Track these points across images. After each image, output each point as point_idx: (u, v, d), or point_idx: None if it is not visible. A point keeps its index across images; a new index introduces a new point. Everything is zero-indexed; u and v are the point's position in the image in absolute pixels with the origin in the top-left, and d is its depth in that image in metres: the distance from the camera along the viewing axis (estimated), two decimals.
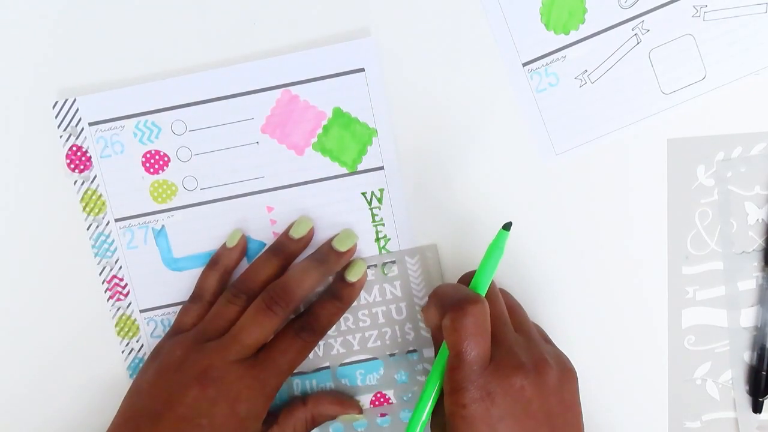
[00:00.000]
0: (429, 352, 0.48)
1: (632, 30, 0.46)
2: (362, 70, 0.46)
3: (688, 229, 0.47)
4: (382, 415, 0.48)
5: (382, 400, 0.48)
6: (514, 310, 0.43)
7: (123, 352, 0.48)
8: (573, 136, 0.47)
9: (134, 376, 0.46)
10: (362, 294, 0.47)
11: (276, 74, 0.46)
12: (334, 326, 0.47)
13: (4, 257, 0.47)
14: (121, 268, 0.47)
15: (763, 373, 0.47)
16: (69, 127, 0.46)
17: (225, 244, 0.46)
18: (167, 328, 0.47)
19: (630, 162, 0.47)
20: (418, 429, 0.39)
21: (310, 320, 0.45)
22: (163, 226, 0.47)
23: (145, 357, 0.47)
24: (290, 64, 0.46)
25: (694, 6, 0.45)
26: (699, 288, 0.48)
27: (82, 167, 0.46)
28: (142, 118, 0.46)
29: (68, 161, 0.46)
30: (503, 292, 0.44)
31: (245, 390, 0.42)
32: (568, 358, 0.41)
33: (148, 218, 0.47)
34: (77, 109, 0.46)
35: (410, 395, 0.48)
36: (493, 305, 0.40)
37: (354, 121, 0.46)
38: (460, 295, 0.39)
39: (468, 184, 0.47)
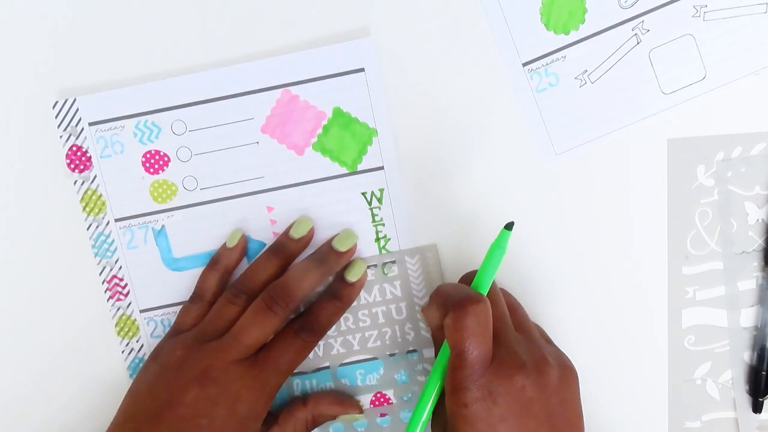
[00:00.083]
0: (429, 352, 0.48)
1: (632, 30, 0.46)
2: (362, 70, 0.46)
3: (688, 229, 0.47)
4: (382, 415, 0.48)
5: (382, 400, 0.48)
6: (515, 309, 0.43)
7: (123, 352, 0.48)
8: (573, 136, 0.47)
9: (134, 376, 0.46)
10: (362, 294, 0.47)
11: (276, 74, 0.46)
12: (334, 326, 0.47)
13: (4, 257, 0.47)
14: (121, 268, 0.47)
15: (763, 373, 0.47)
16: (69, 127, 0.46)
17: (225, 244, 0.46)
18: (167, 328, 0.47)
19: (630, 162, 0.47)
20: (418, 428, 0.39)
21: (310, 320, 0.45)
22: (163, 226, 0.47)
23: (145, 357, 0.47)
24: (290, 64, 0.46)
25: (694, 6, 0.45)
26: (699, 288, 0.48)
27: (82, 167, 0.46)
28: (142, 118, 0.46)
29: (68, 161, 0.46)
30: (504, 291, 0.44)
31: (245, 390, 0.42)
32: (568, 358, 0.41)
33: (148, 218, 0.47)
34: (77, 109, 0.46)
35: (410, 395, 0.48)
36: (495, 305, 0.40)
37: (354, 121, 0.46)
38: (461, 295, 0.39)
39: (468, 184, 0.47)
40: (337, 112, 0.46)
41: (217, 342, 0.43)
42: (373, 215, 0.47)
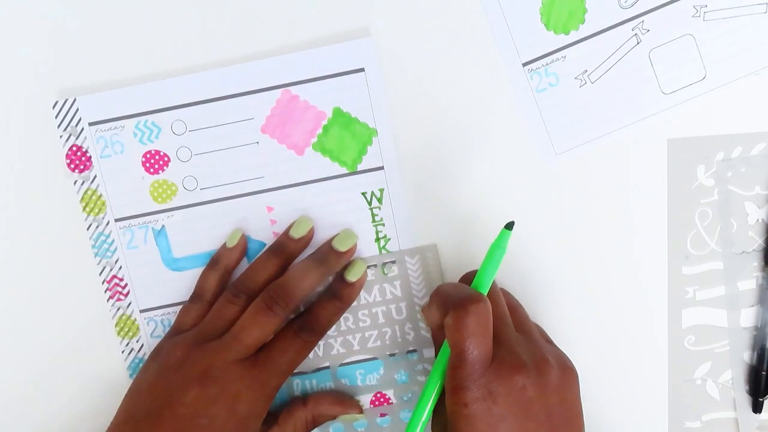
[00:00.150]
0: (429, 352, 0.48)
1: (632, 30, 0.46)
2: (362, 70, 0.46)
3: (688, 229, 0.47)
4: (382, 415, 0.48)
5: (382, 400, 0.48)
6: (515, 309, 0.43)
7: (123, 352, 0.48)
8: (573, 136, 0.47)
9: (134, 376, 0.46)
10: (362, 294, 0.47)
11: (276, 74, 0.46)
12: (334, 326, 0.47)
13: (4, 257, 0.47)
14: (121, 268, 0.47)
15: (763, 373, 0.47)
16: (69, 127, 0.46)
17: (225, 244, 0.46)
18: (167, 328, 0.47)
19: (630, 162, 0.47)
20: (418, 428, 0.39)
21: (310, 320, 0.45)
22: (163, 226, 0.47)
23: (145, 357, 0.47)
24: (290, 64, 0.46)
25: (694, 6, 0.45)
26: (699, 288, 0.48)
27: (82, 167, 0.46)
28: (142, 118, 0.46)
29: (68, 161, 0.46)
30: (504, 291, 0.44)
31: (245, 390, 0.42)
32: (568, 358, 0.41)
33: (148, 218, 0.47)
34: (77, 109, 0.46)
35: (410, 395, 0.48)
36: (495, 305, 0.40)
37: (354, 121, 0.46)
38: (462, 294, 0.39)
39: (468, 184, 0.47)
40: (337, 112, 0.46)
41: (217, 342, 0.43)
42: (373, 215, 0.47)
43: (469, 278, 0.42)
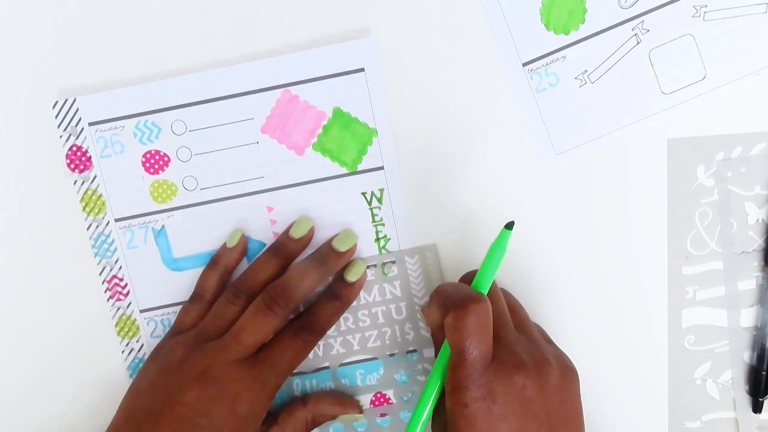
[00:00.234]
0: (429, 352, 0.48)
1: (632, 30, 0.46)
2: (362, 70, 0.46)
3: (688, 229, 0.47)
4: (382, 415, 0.48)
5: (382, 400, 0.48)
6: (515, 309, 0.43)
7: (123, 352, 0.48)
8: (573, 136, 0.47)
9: (134, 376, 0.46)
10: (362, 294, 0.47)
11: (276, 74, 0.46)
12: (333, 326, 0.47)
13: (4, 257, 0.47)
14: (121, 268, 0.47)
15: (763, 373, 0.47)
16: (69, 127, 0.46)
17: (225, 244, 0.46)
18: (167, 328, 0.47)
19: (630, 162, 0.47)
20: (418, 428, 0.39)
21: (310, 320, 0.45)
22: (163, 226, 0.47)
23: (145, 357, 0.47)
24: (290, 64, 0.46)
25: (694, 6, 0.45)
26: (699, 288, 0.48)
27: (82, 167, 0.46)
28: (142, 118, 0.46)
29: (68, 161, 0.46)
30: (504, 291, 0.44)
31: (245, 390, 0.42)
32: (569, 358, 0.41)
33: (148, 218, 0.47)
34: (77, 109, 0.46)
35: (410, 395, 0.48)
36: (495, 305, 0.40)
37: (354, 121, 0.46)
38: (462, 294, 0.39)
39: (468, 184, 0.47)
40: (337, 112, 0.46)
41: (216, 342, 0.43)
42: (373, 215, 0.47)
43: (469, 278, 0.42)
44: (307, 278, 0.44)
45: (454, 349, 0.38)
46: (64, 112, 0.46)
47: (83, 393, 0.48)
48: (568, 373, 0.40)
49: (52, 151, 0.46)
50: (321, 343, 0.48)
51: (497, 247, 0.41)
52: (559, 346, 0.43)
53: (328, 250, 0.46)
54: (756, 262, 0.47)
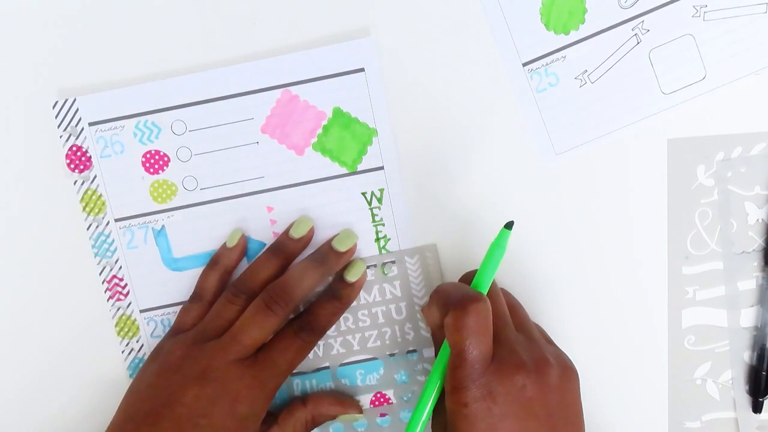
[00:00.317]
0: (429, 352, 0.48)
1: (632, 30, 0.46)
2: (362, 70, 0.46)
3: (688, 229, 0.47)
4: (382, 415, 0.48)
5: (382, 400, 0.48)
6: (515, 309, 0.43)
7: (123, 352, 0.48)
8: (573, 136, 0.47)
9: (134, 376, 0.46)
10: (362, 294, 0.47)
11: (276, 74, 0.46)
12: (333, 326, 0.47)
13: (5, 257, 0.47)
14: (121, 268, 0.47)
15: (763, 373, 0.47)
16: (69, 127, 0.46)
17: (225, 244, 0.46)
18: (167, 328, 0.47)
19: (630, 162, 0.47)
20: (418, 428, 0.39)
21: (310, 320, 0.45)
22: (163, 226, 0.47)
23: (145, 357, 0.47)
24: (290, 64, 0.46)
25: (694, 6, 0.45)
26: (699, 288, 0.48)
27: (82, 167, 0.46)
28: (142, 118, 0.46)
29: (68, 161, 0.46)
30: (504, 291, 0.44)
31: (244, 390, 0.42)
32: (569, 358, 0.41)
33: (148, 218, 0.47)
34: (77, 109, 0.46)
35: (410, 395, 0.48)
36: (495, 304, 0.40)
37: (354, 121, 0.46)
38: (462, 294, 0.39)
39: (468, 184, 0.47)
40: (337, 112, 0.46)
41: (216, 342, 0.43)
42: (373, 215, 0.47)
43: (468, 278, 0.42)
44: (307, 278, 0.44)
45: (454, 349, 0.38)
46: (64, 112, 0.46)
47: (83, 393, 0.48)
48: (568, 372, 0.40)
49: (52, 151, 0.46)
50: (321, 343, 0.48)
51: (497, 247, 0.41)
52: (559, 346, 0.43)
53: (328, 250, 0.46)
54: (756, 262, 0.47)
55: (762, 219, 0.47)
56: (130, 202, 0.46)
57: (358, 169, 0.46)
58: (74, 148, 0.46)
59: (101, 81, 0.46)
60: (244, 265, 0.47)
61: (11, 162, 0.47)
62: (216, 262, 0.46)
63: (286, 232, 0.46)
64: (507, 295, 0.45)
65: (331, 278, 0.47)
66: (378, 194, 0.47)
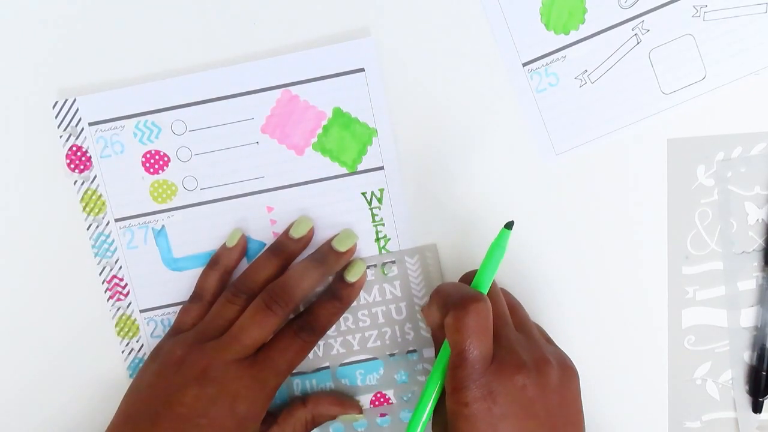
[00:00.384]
0: (429, 352, 0.48)
1: (632, 30, 0.46)
2: (362, 70, 0.46)
3: (688, 229, 0.47)
4: (382, 415, 0.48)
5: (382, 400, 0.48)
6: (515, 309, 0.43)
7: (123, 352, 0.48)
8: (573, 136, 0.47)
9: (134, 376, 0.46)
10: (362, 294, 0.47)
11: (276, 74, 0.46)
12: (333, 326, 0.47)
13: (5, 257, 0.47)
14: (121, 268, 0.47)
15: (763, 373, 0.47)
16: (69, 127, 0.46)
17: (225, 244, 0.46)
18: (167, 328, 0.47)
19: (630, 162, 0.47)
20: (419, 428, 0.39)
21: (310, 320, 0.45)
22: (163, 226, 0.47)
23: (145, 357, 0.47)
24: (290, 64, 0.46)
25: (694, 6, 0.45)
26: (699, 288, 0.48)
27: (82, 167, 0.46)
28: (142, 118, 0.46)
29: (68, 161, 0.46)
30: (504, 291, 0.44)
31: (244, 390, 0.42)
32: (569, 358, 0.41)
33: (148, 218, 0.47)
34: (77, 109, 0.46)
35: (410, 395, 0.48)
36: (495, 304, 0.40)
37: (354, 121, 0.46)
38: (462, 294, 0.39)
39: (468, 184, 0.47)
40: (337, 112, 0.46)
41: (216, 342, 0.43)
42: (373, 215, 0.47)
43: (469, 278, 0.42)
44: (307, 278, 0.44)
45: (455, 349, 0.38)
46: (64, 112, 0.46)
47: (83, 393, 0.48)
48: (568, 372, 0.40)
49: (52, 151, 0.46)
50: (321, 343, 0.48)
51: (497, 247, 0.41)
52: (559, 346, 0.43)
53: (328, 250, 0.46)
54: (756, 262, 0.47)
55: (762, 219, 0.47)
56: (130, 202, 0.46)
57: (358, 169, 0.46)
58: (74, 148, 0.46)
59: (101, 81, 0.46)
60: (244, 265, 0.47)
61: (11, 162, 0.47)
62: (216, 262, 0.46)
63: (286, 232, 0.46)
64: (507, 295, 0.45)
65: (331, 278, 0.47)
66: (378, 194, 0.47)
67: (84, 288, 0.47)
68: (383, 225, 0.47)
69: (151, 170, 0.46)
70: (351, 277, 0.46)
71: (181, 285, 0.47)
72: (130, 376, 0.48)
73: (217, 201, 0.47)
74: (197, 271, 0.47)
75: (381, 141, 0.46)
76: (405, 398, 0.48)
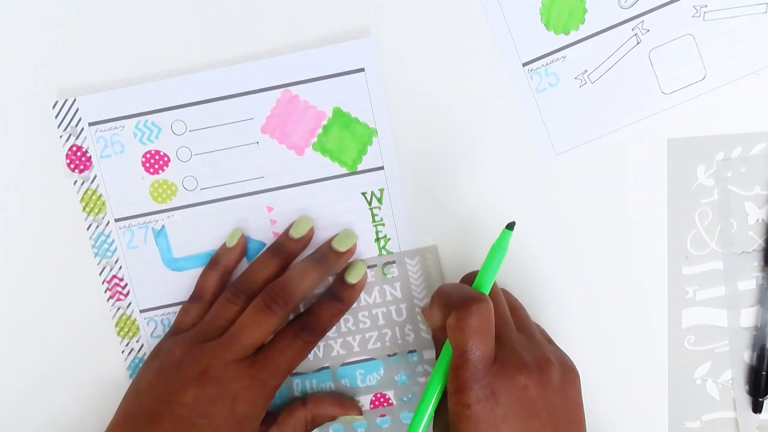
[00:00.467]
0: (429, 354, 0.48)
1: (632, 30, 0.46)
2: (362, 70, 0.46)
3: (688, 229, 0.47)
4: (382, 416, 0.48)
5: (382, 400, 0.48)
6: (516, 309, 0.43)
7: (123, 352, 0.48)
8: (573, 136, 0.47)
9: (134, 376, 0.46)
10: (362, 295, 0.47)
11: (276, 74, 0.46)
12: (333, 328, 0.47)
13: (5, 257, 0.47)
14: (121, 268, 0.47)
15: (763, 373, 0.47)
16: (69, 127, 0.46)
17: (225, 244, 0.46)
18: (167, 328, 0.47)
19: (630, 162, 0.47)
20: (420, 429, 0.39)
21: (310, 320, 0.45)
22: (163, 226, 0.47)
23: (145, 357, 0.47)
24: (290, 64, 0.46)
25: (694, 6, 0.45)
26: (699, 288, 0.48)
27: (82, 167, 0.46)
28: (142, 118, 0.46)
29: (68, 161, 0.46)
30: (504, 291, 0.44)
31: (244, 390, 0.42)
32: (570, 358, 0.41)
33: (148, 218, 0.47)
34: (77, 109, 0.46)
35: (410, 396, 0.48)
36: (496, 305, 0.40)
37: (354, 121, 0.46)
38: (464, 294, 0.39)
39: (468, 184, 0.47)
40: (337, 112, 0.46)
41: (216, 341, 0.43)
42: (373, 215, 0.47)
43: (470, 279, 0.42)
44: (307, 278, 0.44)
45: (457, 349, 0.38)
46: (64, 112, 0.46)
47: (83, 393, 0.48)
48: (569, 373, 0.40)
49: (52, 151, 0.46)
50: (321, 344, 0.48)
51: (498, 248, 0.41)
52: (560, 346, 0.43)
53: (327, 250, 0.46)
54: (756, 262, 0.47)
55: (762, 219, 0.47)
56: (130, 202, 0.46)
57: (358, 169, 0.46)
58: (74, 148, 0.46)
59: (101, 81, 0.46)
60: (244, 265, 0.47)
61: (11, 162, 0.47)
62: (216, 262, 0.46)
63: (286, 232, 0.46)
64: (508, 295, 0.45)
65: (331, 279, 0.47)
66: (378, 194, 0.47)
67: (84, 288, 0.47)
68: (383, 225, 0.47)
69: (151, 170, 0.46)
70: (352, 278, 0.46)
71: (181, 285, 0.47)
72: (130, 376, 0.48)
73: (217, 201, 0.47)
74: (197, 271, 0.47)
75: (381, 141, 0.46)
76: (405, 399, 0.48)
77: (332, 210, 0.47)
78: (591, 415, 0.46)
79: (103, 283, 0.47)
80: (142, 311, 0.47)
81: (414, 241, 0.47)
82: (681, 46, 0.46)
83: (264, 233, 0.47)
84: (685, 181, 0.47)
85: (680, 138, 0.47)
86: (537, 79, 0.46)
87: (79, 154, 0.46)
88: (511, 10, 0.45)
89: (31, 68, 0.46)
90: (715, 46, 0.45)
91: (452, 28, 0.46)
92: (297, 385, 0.48)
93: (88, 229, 0.47)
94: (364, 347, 0.48)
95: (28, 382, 0.48)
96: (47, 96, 0.46)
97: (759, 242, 0.47)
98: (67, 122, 0.46)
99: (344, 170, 0.46)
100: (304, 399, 0.47)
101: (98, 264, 0.47)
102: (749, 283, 0.47)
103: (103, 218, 0.47)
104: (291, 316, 0.46)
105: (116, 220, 0.47)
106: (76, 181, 0.46)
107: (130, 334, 0.48)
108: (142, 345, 0.48)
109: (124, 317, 0.47)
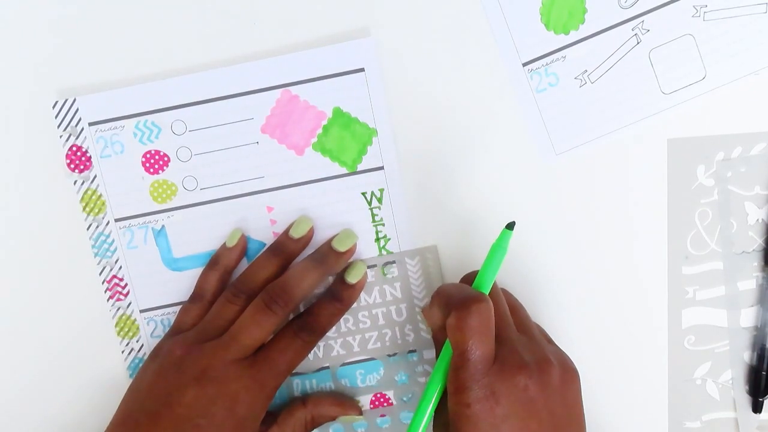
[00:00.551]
0: (429, 354, 0.48)
1: (632, 30, 0.46)
2: (362, 70, 0.46)
3: (688, 229, 0.47)
4: (382, 416, 0.48)
5: (382, 400, 0.48)
6: (516, 309, 0.43)
7: (123, 352, 0.48)
8: (573, 136, 0.47)
9: (134, 376, 0.46)
10: (362, 295, 0.47)
11: (276, 74, 0.46)
12: (333, 328, 0.47)
13: (5, 257, 0.47)
14: (121, 268, 0.47)
15: (763, 373, 0.47)
16: (69, 127, 0.46)
17: (225, 244, 0.46)
18: (167, 328, 0.47)
19: (630, 162, 0.47)
20: (420, 429, 0.39)
21: (310, 320, 0.45)
22: (163, 226, 0.47)
23: (145, 357, 0.47)
24: (290, 64, 0.46)
25: (694, 6, 0.45)
26: (699, 288, 0.48)
27: (82, 167, 0.46)
28: (142, 118, 0.46)
29: (68, 161, 0.46)
30: (504, 291, 0.44)
31: (244, 390, 0.42)
32: (570, 358, 0.41)
33: (148, 218, 0.47)
34: (77, 109, 0.46)
35: (410, 396, 0.48)
36: (496, 305, 0.40)
37: (354, 121, 0.46)
38: (464, 294, 0.39)
39: (468, 184, 0.47)
40: (337, 112, 0.46)
41: (216, 341, 0.43)
42: (373, 215, 0.47)
43: (470, 279, 0.42)
44: (307, 278, 0.44)
45: (457, 349, 0.38)
46: (64, 112, 0.46)
47: (83, 393, 0.48)
48: (569, 373, 0.40)
49: (52, 151, 0.46)
50: (321, 344, 0.48)
51: (498, 248, 0.41)
52: (560, 346, 0.43)
53: (327, 250, 0.46)
54: (756, 262, 0.47)
55: (762, 219, 0.47)
56: (130, 202, 0.46)
57: (358, 169, 0.46)
58: (74, 148, 0.46)
59: (101, 81, 0.46)
60: (244, 265, 0.47)
61: (11, 162, 0.47)
62: (216, 262, 0.46)
63: (286, 232, 0.46)
64: (507, 295, 0.45)
65: (331, 279, 0.47)
66: (378, 194, 0.47)
67: (84, 288, 0.47)
68: (383, 225, 0.47)
69: (151, 170, 0.46)
70: (352, 278, 0.46)
71: (181, 285, 0.47)
72: (130, 376, 0.48)
73: (217, 201, 0.47)
74: (197, 271, 0.47)
75: (381, 141, 0.46)
76: (405, 399, 0.48)
77: (332, 210, 0.47)
78: (591, 415, 0.46)
79: (103, 283, 0.47)
80: (142, 311, 0.47)
81: (414, 240, 0.47)
82: (681, 46, 0.46)
83: (264, 233, 0.47)
84: (685, 181, 0.47)
85: (680, 138, 0.47)
86: (537, 79, 0.46)
87: (79, 154, 0.46)
88: (511, 10, 0.45)
89: (31, 68, 0.46)
90: (715, 46, 0.45)
91: (452, 28, 0.46)
92: (297, 385, 0.48)
93: (88, 229, 0.47)
94: (364, 347, 0.48)
95: (28, 382, 0.48)
96: (47, 96, 0.46)
97: (759, 242, 0.47)
98: (67, 122, 0.46)
99: (344, 170, 0.46)
100: (304, 399, 0.47)
101: (98, 264, 0.47)
102: (749, 283, 0.47)
103: (103, 218, 0.47)
104: (291, 316, 0.46)
105: (116, 220, 0.47)
106: (76, 181, 0.46)
107: (130, 334, 0.48)
108: (142, 345, 0.48)
109: (124, 317, 0.47)
